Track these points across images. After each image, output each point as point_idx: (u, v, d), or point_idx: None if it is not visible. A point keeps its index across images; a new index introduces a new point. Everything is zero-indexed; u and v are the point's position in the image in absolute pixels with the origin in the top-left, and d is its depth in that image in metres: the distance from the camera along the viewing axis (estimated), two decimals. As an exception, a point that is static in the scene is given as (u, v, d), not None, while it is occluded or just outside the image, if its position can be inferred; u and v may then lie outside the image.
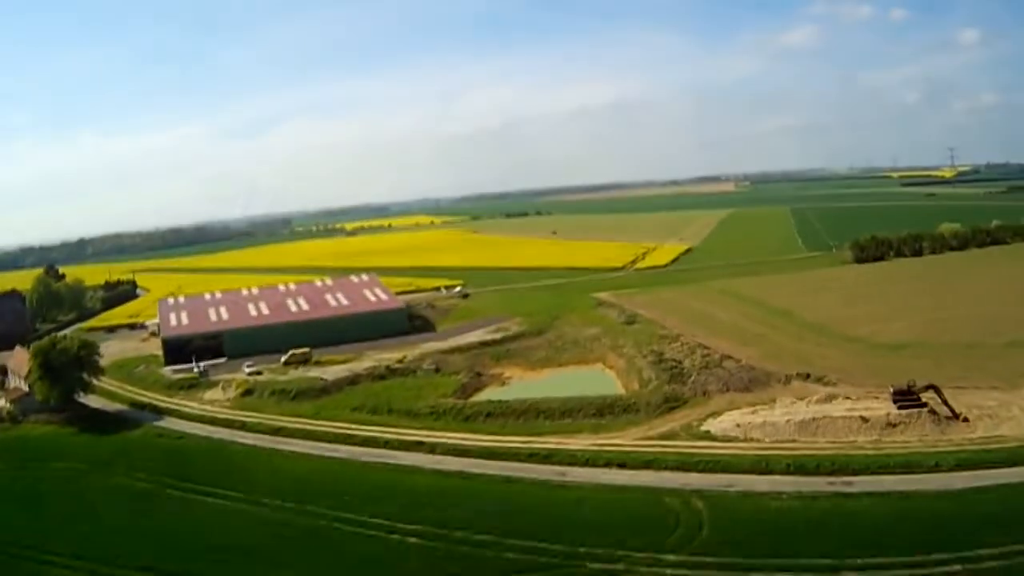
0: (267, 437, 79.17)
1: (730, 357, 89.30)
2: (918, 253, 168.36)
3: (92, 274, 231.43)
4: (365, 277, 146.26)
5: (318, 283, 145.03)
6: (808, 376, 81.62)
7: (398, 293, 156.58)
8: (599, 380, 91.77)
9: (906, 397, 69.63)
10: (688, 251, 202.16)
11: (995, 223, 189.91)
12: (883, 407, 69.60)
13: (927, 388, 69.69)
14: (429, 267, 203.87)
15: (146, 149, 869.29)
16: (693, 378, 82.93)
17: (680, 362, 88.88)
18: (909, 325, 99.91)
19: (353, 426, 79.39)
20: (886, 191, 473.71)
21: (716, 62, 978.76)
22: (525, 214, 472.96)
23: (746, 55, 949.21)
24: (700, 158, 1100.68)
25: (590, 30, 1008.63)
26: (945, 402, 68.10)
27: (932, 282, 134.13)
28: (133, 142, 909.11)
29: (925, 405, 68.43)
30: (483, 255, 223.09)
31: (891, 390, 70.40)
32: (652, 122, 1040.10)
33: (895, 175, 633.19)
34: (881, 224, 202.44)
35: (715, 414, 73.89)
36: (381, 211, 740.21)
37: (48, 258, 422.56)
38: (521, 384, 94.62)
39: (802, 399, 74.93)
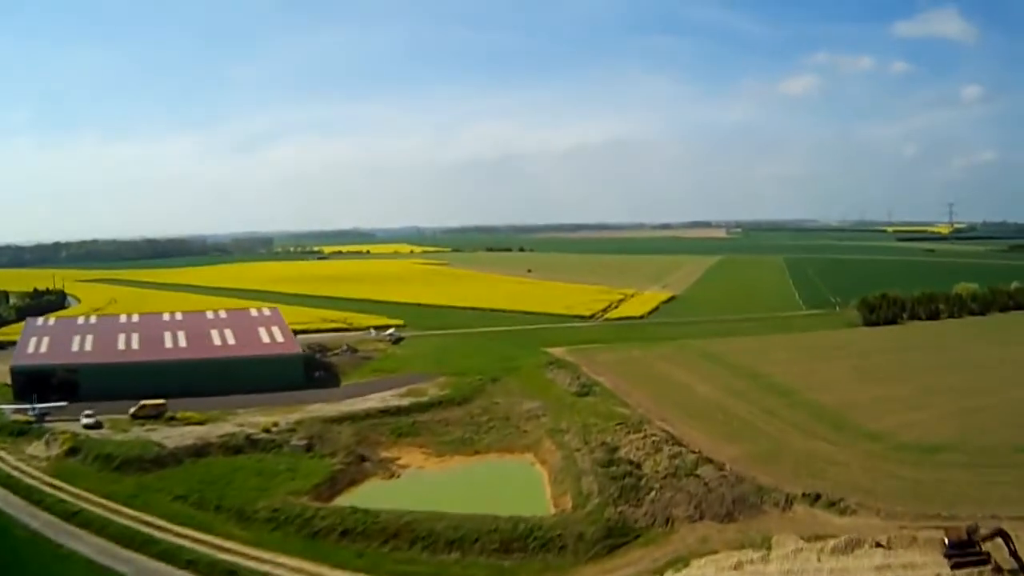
0: (60, 524, 56.36)
1: (709, 460, 62.78)
2: (934, 316, 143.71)
3: (31, 279, 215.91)
4: (267, 311, 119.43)
5: (209, 315, 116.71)
6: (818, 498, 55.61)
7: (325, 330, 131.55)
8: (522, 483, 65.24)
9: (965, 551, 44.31)
10: (670, 300, 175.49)
11: (1015, 284, 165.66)
12: (929, 562, 44.59)
13: (994, 535, 44.75)
14: (376, 301, 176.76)
15: (144, 157, 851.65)
16: (653, 495, 56.10)
17: (638, 465, 62.41)
18: (939, 416, 75.91)
19: (164, 524, 55.02)
20: (882, 245, 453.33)
21: (714, 107, 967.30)
22: (508, 249, 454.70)
23: (745, 101, 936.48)
24: (693, 202, 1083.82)
25: (591, 69, 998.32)
26: (1015, 553, 43.48)
27: (957, 354, 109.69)
28: (132, 149, 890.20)
29: (988, 560, 43.59)
30: (444, 292, 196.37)
31: (945, 542, 44.91)
32: (647, 164, 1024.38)
33: (890, 229, 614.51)
34: (884, 280, 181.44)
35: (678, 562, 47.21)
36: (367, 237, 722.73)
37: (20, 259, 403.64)
38: (415, 479, 67.45)
39: (811, 541, 48.46)
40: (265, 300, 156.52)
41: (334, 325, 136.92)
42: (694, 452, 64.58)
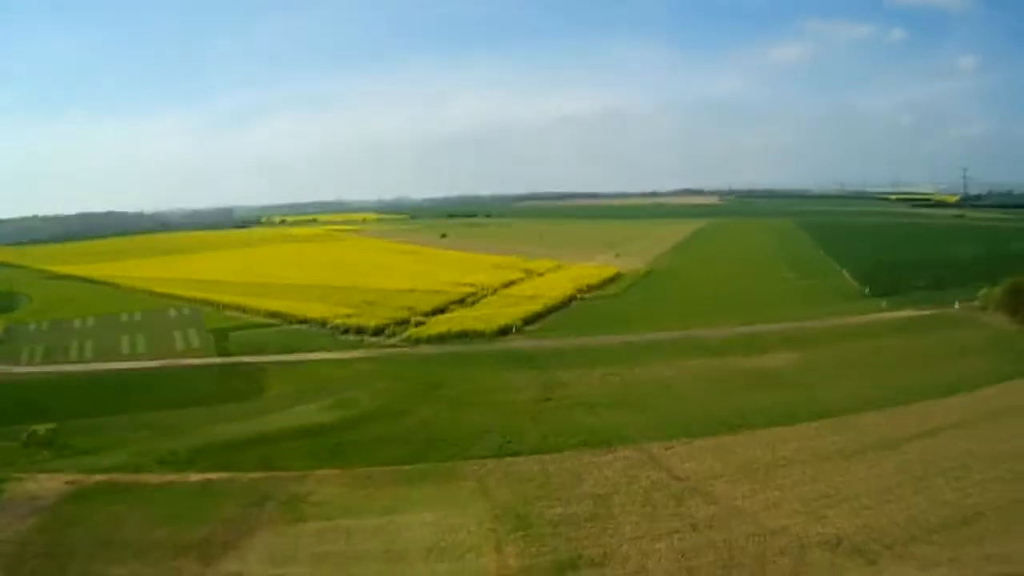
0: None
1: None
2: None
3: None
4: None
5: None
6: None
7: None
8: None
9: None
10: (611, 280, 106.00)
11: None
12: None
13: None
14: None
15: (128, 134, 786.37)
16: None
17: None
18: None
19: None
20: (897, 211, 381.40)
21: (705, 76, 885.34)
22: (474, 215, 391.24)
23: (736, 70, 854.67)
24: (683, 172, 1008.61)
25: (580, 38, 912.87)
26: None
27: None
28: (115, 127, 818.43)
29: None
30: (285, 267, 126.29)
31: None
32: (636, 133, 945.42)
33: (892, 196, 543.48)
34: (950, 252, 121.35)
35: None
36: (344, 207, 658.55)
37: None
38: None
39: None
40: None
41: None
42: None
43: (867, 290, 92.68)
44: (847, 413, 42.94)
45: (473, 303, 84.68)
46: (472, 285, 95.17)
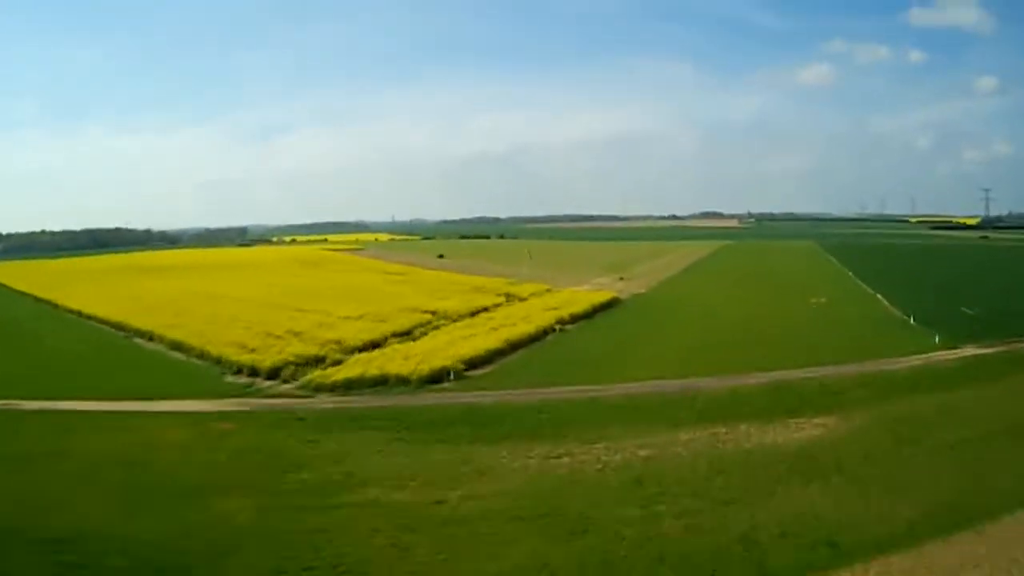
0: None
1: None
2: None
3: None
4: None
5: None
6: None
7: None
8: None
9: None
10: (608, 305, 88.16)
11: None
12: None
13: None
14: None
15: (147, 148, 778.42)
16: None
17: None
18: None
19: None
20: (921, 233, 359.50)
21: (726, 99, 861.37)
22: (487, 237, 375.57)
23: (758, 92, 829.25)
24: (704, 195, 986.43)
25: (601, 60, 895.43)
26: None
27: None
28: (136, 142, 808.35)
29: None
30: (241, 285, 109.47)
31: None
32: (657, 156, 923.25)
33: (913, 219, 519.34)
34: (996, 278, 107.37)
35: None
36: (361, 227, 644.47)
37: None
38: None
39: None
40: None
41: None
42: None
43: (911, 319, 73.76)
44: (922, 540, 24.38)
45: (421, 335, 66.45)
46: (433, 312, 77.10)
